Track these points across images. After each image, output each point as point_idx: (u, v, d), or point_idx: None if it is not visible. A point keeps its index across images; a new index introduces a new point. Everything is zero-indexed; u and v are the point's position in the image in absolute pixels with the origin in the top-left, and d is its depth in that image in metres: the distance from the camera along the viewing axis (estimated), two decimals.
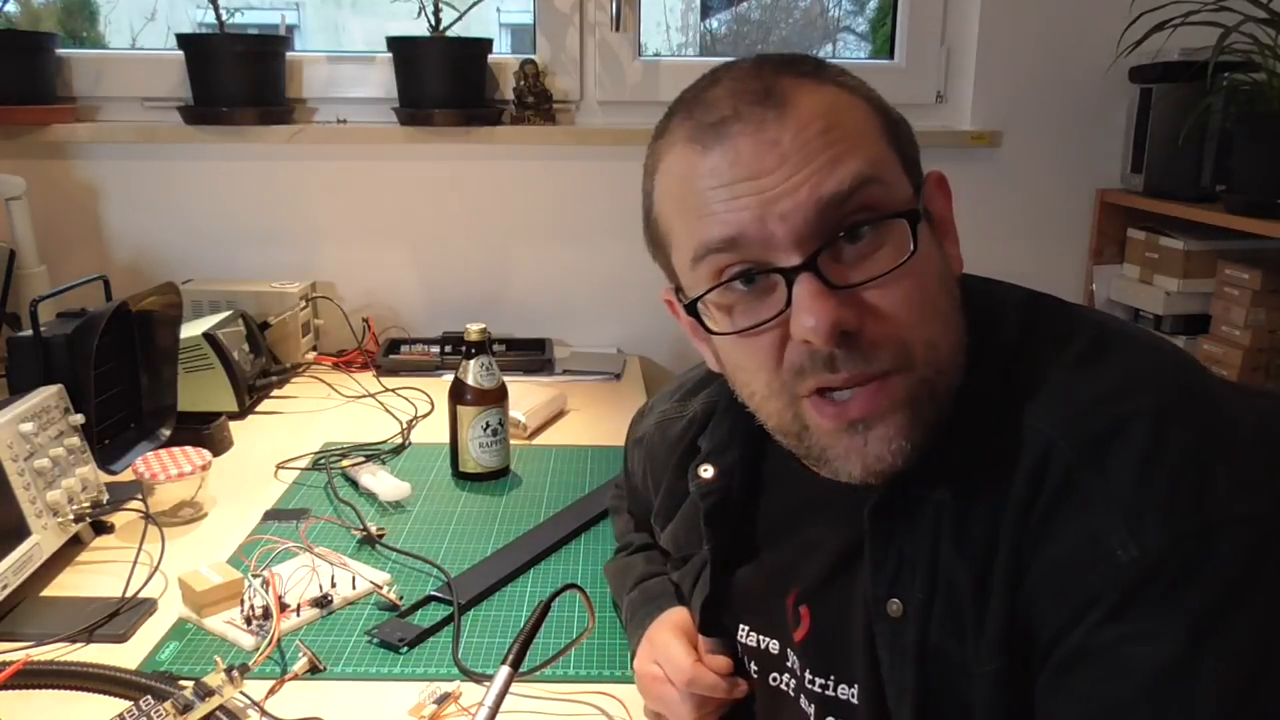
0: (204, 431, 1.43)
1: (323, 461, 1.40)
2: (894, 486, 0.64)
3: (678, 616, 0.85)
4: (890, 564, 0.64)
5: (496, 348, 1.84)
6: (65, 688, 0.88)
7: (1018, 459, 0.59)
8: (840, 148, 0.58)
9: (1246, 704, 0.52)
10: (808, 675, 0.72)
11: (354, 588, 1.05)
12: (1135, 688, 0.53)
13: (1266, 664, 0.53)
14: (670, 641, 0.82)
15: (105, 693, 0.87)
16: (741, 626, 0.79)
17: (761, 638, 0.78)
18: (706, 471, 0.78)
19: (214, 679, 0.82)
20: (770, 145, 0.58)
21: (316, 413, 1.64)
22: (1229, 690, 0.52)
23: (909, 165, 0.63)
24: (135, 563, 1.07)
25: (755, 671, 0.79)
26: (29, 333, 1.22)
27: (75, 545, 1.14)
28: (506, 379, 1.38)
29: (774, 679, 0.77)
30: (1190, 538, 0.54)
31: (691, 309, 0.64)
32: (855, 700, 0.69)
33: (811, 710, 0.72)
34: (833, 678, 0.71)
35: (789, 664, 0.75)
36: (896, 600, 0.64)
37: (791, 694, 0.75)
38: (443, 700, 0.86)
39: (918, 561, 0.63)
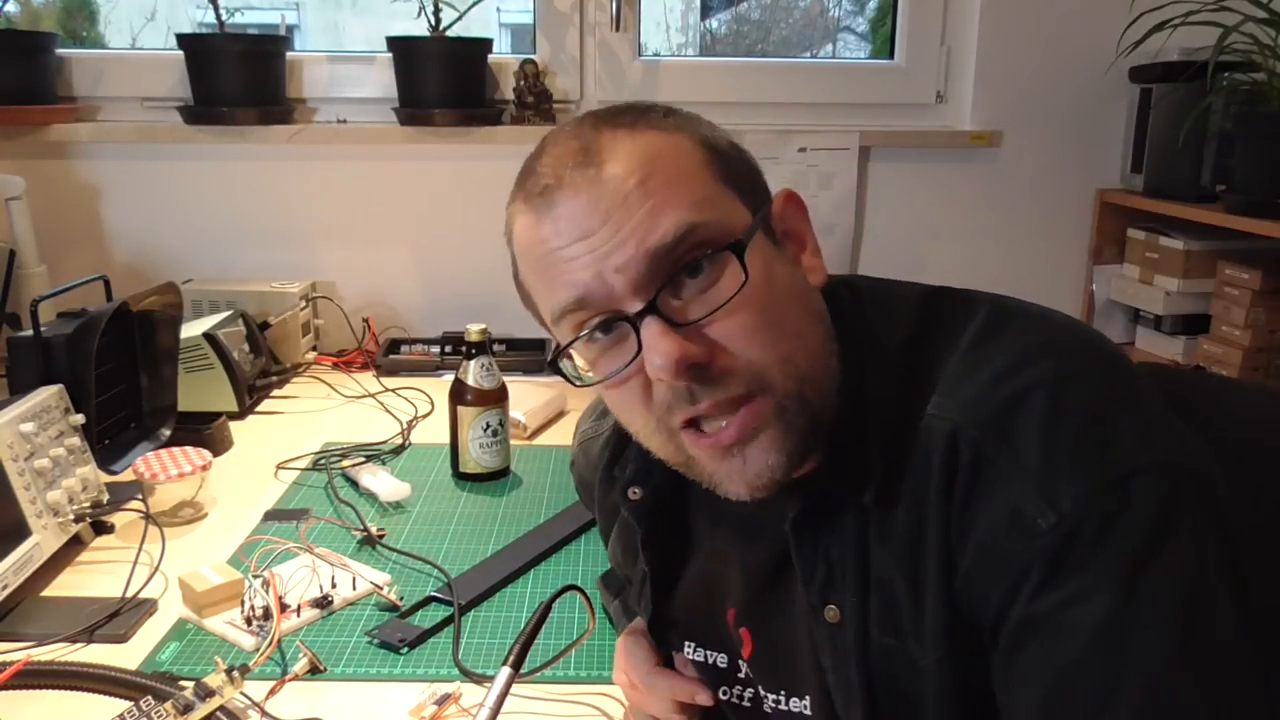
0: (204, 431, 1.43)
1: (323, 462, 1.40)
2: (813, 497, 0.65)
3: (640, 623, 0.86)
4: (820, 571, 0.65)
5: (496, 348, 1.84)
6: (65, 688, 0.88)
7: (929, 450, 0.60)
8: (660, 196, 0.60)
9: (1189, 640, 0.53)
10: (761, 691, 0.73)
11: (354, 588, 1.05)
12: (1081, 647, 0.54)
13: (1199, 601, 0.54)
14: (633, 649, 0.83)
15: (105, 693, 0.87)
16: (687, 644, 0.80)
17: (708, 653, 0.78)
18: (635, 494, 0.78)
19: (214, 679, 0.82)
20: (592, 205, 0.61)
21: (316, 413, 1.64)
22: (1170, 631, 0.53)
23: (745, 191, 0.65)
24: (135, 563, 1.07)
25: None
26: (29, 333, 1.22)
27: (75, 545, 1.14)
28: (506, 379, 1.39)
29: (724, 693, 0.78)
30: (1102, 492, 0.54)
31: (554, 365, 0.67)
32: (809, 711, 0.70)
33: None
34: (784, 692, 0.71)
35: (741, 676, 0.76)
36: (833, 606, 0.65)
37: (749, 705, 0.76)
38: (443, 701, 0.86)
39: (846, 564, 0.64)
